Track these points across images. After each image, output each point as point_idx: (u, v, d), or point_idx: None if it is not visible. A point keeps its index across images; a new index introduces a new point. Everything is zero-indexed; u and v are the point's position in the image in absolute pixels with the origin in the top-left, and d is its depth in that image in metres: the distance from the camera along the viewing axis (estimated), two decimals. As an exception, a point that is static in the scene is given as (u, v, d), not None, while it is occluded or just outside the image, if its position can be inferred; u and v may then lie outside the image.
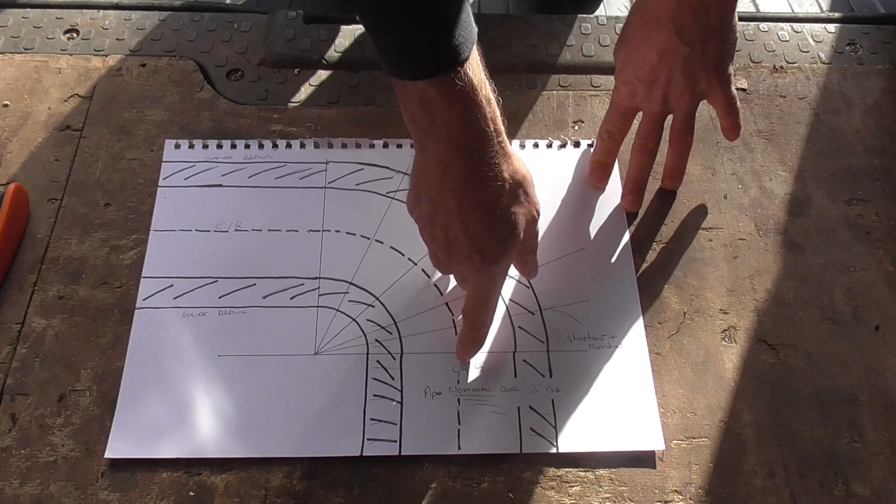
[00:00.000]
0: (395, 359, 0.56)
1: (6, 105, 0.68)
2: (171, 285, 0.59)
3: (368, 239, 0.61)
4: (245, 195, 0.63)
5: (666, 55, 0.58)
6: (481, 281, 0.53)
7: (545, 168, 0.66)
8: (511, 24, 0.77)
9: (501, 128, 0.49)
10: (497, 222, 0.50)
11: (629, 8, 0.61)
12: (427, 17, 0.44)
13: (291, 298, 0.58)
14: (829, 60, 0.75)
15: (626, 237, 0.63)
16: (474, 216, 0.49)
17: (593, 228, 0.63)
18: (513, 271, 0.60)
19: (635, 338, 0.57)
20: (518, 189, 0.51)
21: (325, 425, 0.53)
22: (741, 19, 0.72)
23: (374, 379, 0.55)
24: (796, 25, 0.77)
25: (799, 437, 0.54)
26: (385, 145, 0.66)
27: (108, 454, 0.51)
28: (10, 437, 0.52)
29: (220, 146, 0.65)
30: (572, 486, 0.52)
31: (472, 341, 0.56)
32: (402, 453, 0.52)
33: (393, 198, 0.63)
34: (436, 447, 0.53)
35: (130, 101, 0.69)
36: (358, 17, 0.58)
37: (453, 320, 0.58)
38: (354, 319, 0.58)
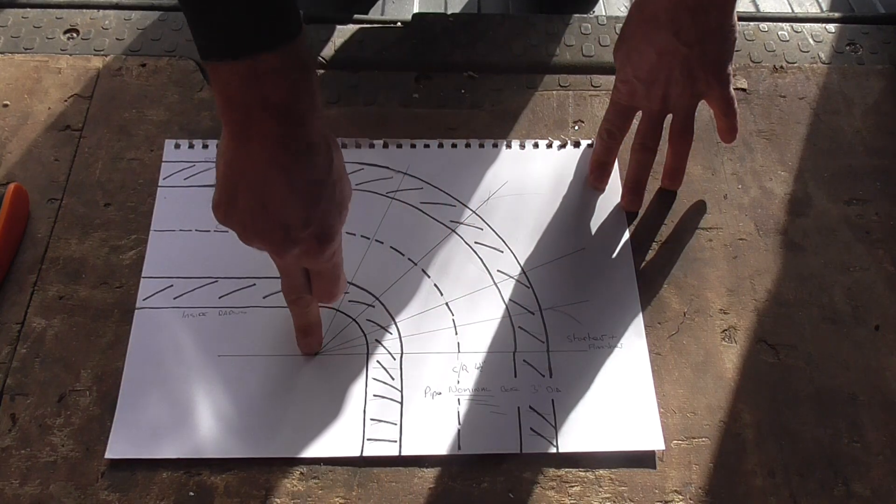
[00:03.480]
0: (395, 359, 0.56)
1: (6, 105, 0.68)
2: (171, 285, 0.59)
3: (368, 239, 0.61)
4: (245, 195, 0.63)
5: (665, 55, 0.58)
6: (327, 260, 0.49)
7: (545, 168, 0.66)
8: (511, 24, 0.77)
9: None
10: (332, 193, 0.46)
11: (629, 8, 0.61)
12: None
13: (291, 298, 0.58)
14: (829, 60, 0.75)
15: (626, 237, 0.63)
16: (308, 191, 0.45)
17: (593, 228, 0.63)
18: (511, 271, 0.60)
19: (635, 338, 0.57)
20: (335, 151, 0.47)
21: (325, 425, 0.53)
22: (741, 19, 0.72)
23: (374, 379, 0.55)
24: (796, 25, 0.77)
25: (799, 437, 0.54)
26: (385, 145, 0.66)
27: (108, 454, 0.51)
28: (10, 437, 0.52)
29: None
30: (572, 486, 0.52)
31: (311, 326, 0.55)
32: (402, 453, 0.52)
33: (393, 198, 0.63)
34: (436, 447, 0.53)
35: (130, 101, 0.68)
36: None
37: (453, 320, 0.58)
38: (354, 319, 0.58)
